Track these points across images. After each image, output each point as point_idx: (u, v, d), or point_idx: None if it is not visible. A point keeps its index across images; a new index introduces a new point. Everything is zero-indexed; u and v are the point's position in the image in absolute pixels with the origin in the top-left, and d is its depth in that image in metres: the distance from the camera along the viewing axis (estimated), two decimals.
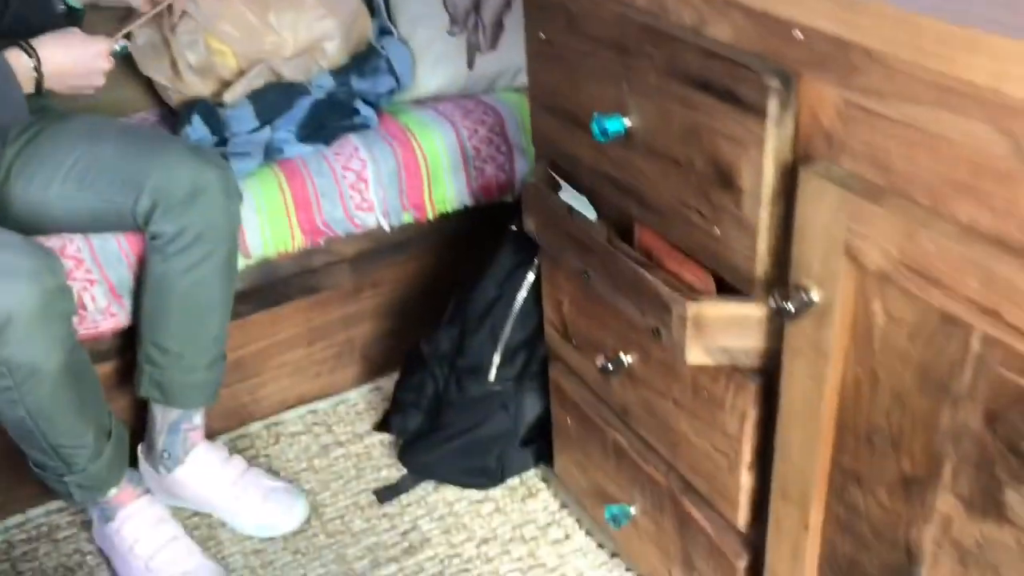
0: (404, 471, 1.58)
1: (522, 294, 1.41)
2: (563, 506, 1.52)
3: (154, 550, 1.37)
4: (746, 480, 1.05)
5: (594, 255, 1.10)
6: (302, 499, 1.51)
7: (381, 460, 1.63)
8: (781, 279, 0.89)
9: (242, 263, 1.48)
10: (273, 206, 1.48)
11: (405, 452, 1.58)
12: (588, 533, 1.47)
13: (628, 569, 1.40)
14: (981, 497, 0.76)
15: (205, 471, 1.47)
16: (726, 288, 0.98)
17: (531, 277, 1.40)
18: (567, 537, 1.47)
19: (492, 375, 1.45)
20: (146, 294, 1.37)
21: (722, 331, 0.95)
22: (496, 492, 1.55)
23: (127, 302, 1.41)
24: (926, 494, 0.81)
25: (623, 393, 1.23)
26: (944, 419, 0.77)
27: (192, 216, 1.28)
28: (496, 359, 1.44)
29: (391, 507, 1.54)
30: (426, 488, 1.57)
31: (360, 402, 1.76)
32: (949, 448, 0.78)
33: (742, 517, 1.08)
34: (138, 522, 1.38)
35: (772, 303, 0.85)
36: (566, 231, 1.16)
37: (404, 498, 1.55)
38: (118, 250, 1.38)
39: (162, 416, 1.44)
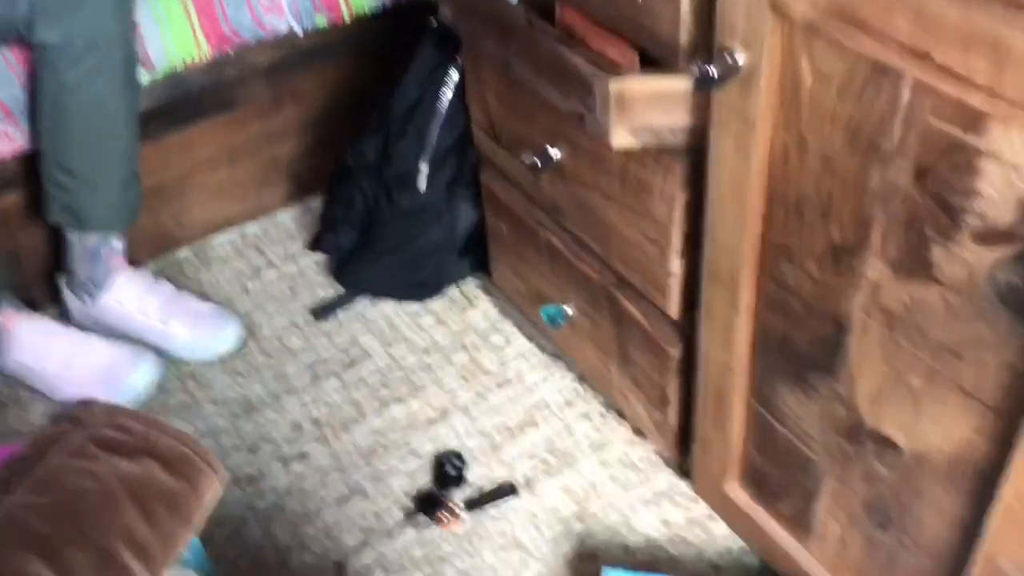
0: (341, 289, 1.55)
1: (446, 94, 1.33)
2: (503, 313, 1.50)
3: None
4: (677, 267, 1.02)
5: (514, 39, 1.03)
6: (235, 321, 1.48)
7: (316, 279, 1.59)
8: (707, 46, 0.83)
9: (147, 78, 1.38)
10: (173, 12, 1.36)
11: (340, 269, 1.54)
12: (529, 338, 1.46)
13: (569, 369, 1.40)
14: (909, 259, 0.74)
15: (130, 296, 1.42)
16: (651, 66, 0.92)
17: (455, 75, 1.32)
18: (508, 343, 1.46)
19: (422, 184, 1.40)
20: (42, 114, 1.27)
21: (647, 108, 0.90)
22: (435, 303, 1.53)
23: (24, 124, 1.32)
24: (855, 261, 0.79)
25: (553, 191, 1.18)
26: (873, 180, 0.73)
27: (78, 21, 1.18)
28: (424, 167, 1.38)
29: (329, 324, 1.51)
30: (364, 304, 1.54)
31: (291, 222, 1.70)
32: (878, 211, 0.75)
33: (674, 306, 1.06)
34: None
35: (696, 71, 0.80)
36: (484, 15, 1.08)
37: (342, 315, 1.52)
38: (5, 67, 1.28)
39: (79, 243, 1.37)
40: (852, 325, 0.83)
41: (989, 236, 0.67)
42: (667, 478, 1.25)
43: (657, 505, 1.23)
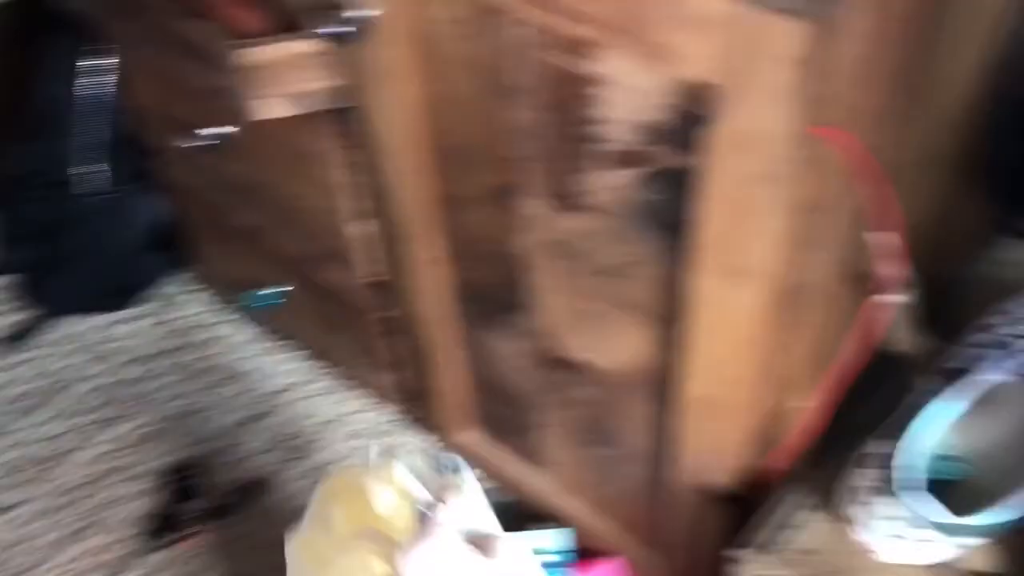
0: (36, 309, 1.41)
1: (106, 83, 1.22)
2: (223, 304, 1.43)
3: None
4: (358, 230, 1.00)
5: (142, 18, 0.95)
6: None
7: (5, 305, 1.44)
8: (339, 4, 0.79)
9: None
10: None
11: (32, 288, 1.40)
12: (256, 325, 1.40)
13: (299, 349, 1.35)
14: (561, 191, 0.75)
15: None
16: (288, 30, 0.87)
17: (108, 61, 1.21)
18: (233, 333, 1.39)
19: (101, 183, 1.28)
20: None
21: (287, 74, 0.85)
22: (149, 307, 1.43)
23: None
24: (517, 201, 0.79)
25: (237, 171, 1.12)
26: (514, 120, 0.73)
27: None
28: (100, 165, 1.27)
29: (30, 350, 1.38)
30: (68, 321, 1.41)
31: None
32: (526, 149, 0.75)
33: (363, 269, 1.04)
34: None
35: (326, 29, 0.76)
36: None
37: (43, 337, 1.39)
38: None
39: None
40: (528, 262, 0.84)
41: (620, 159, 0.69)
42: (414, 436, 1.25)
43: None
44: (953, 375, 0.70)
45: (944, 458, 0.71)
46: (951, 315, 0.80)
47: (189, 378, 1.34)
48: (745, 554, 0.73)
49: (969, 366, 0.70)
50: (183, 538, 1.15)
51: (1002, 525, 0.64)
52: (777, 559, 0.72)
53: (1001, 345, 0.70)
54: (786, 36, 0.51)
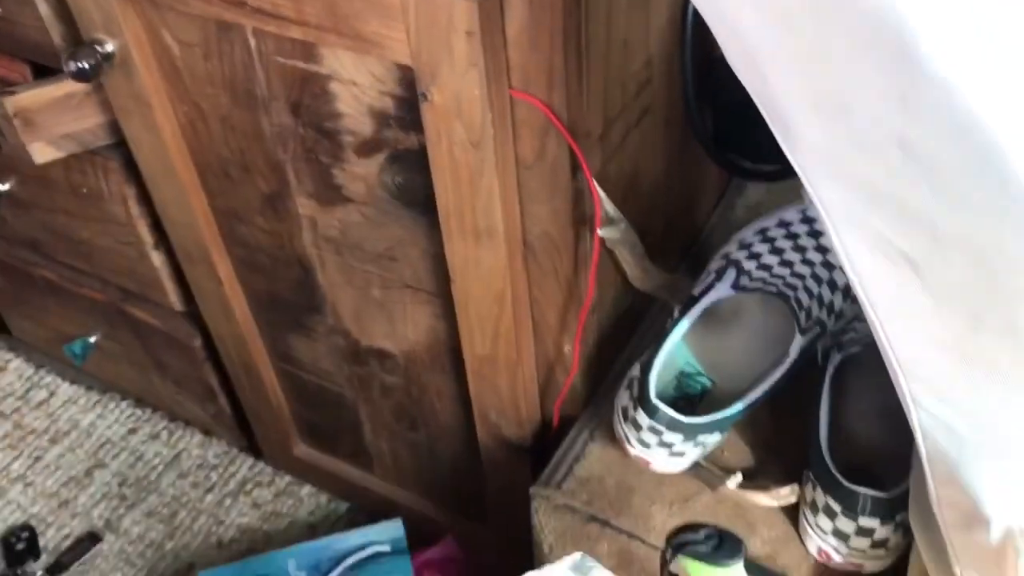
0: None
1: None
2: (38, 366, 1.41)
3: None
4: (159, 260, 1.02)
5: None
6: None
7: None
8: (80, 41, 0.83)
9: None
10: None
11: None
12: (72, 381, 1.38)
13: (123, 398, 1.35)
14: (322, 187, 0.81)
15: None
16: (47, 74, 0.90)
17: None
18: (52, 394, 1.38)
19: None
20: None
21: (54, 116, 0.88)
22: None
23: None
24: (287, 204, 0.84)
25: (24, 225, 1.12)
26: (265, 126, 0.79)
27: None
28: None
29: None
30: None
31: None
32: (281, 153, 0.80)
33: (175, 298, 1.06)
34: None
35: (71, 67, 0.79)
36: None
37: None
38: None
39: None
40: (312, 262, 0.89)
41: (364, 148, 0.75)
42: (246, 464, 1.27)
43: (243, 494, 1.24)
44: (691, 300, 0.79)
45: (688, 375, 0.80)
46: (701, 257, 0.90)
47: (10, 446, 1.31)
48: (533, 492, 0.79)
49: (703, 290, 0.79)
50: None
51: (734, 416, 0.73)
52: (560, 492, 0.79)
53: (724, 267, 0.80)
54: (461, 13, 0.59)
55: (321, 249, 0.87)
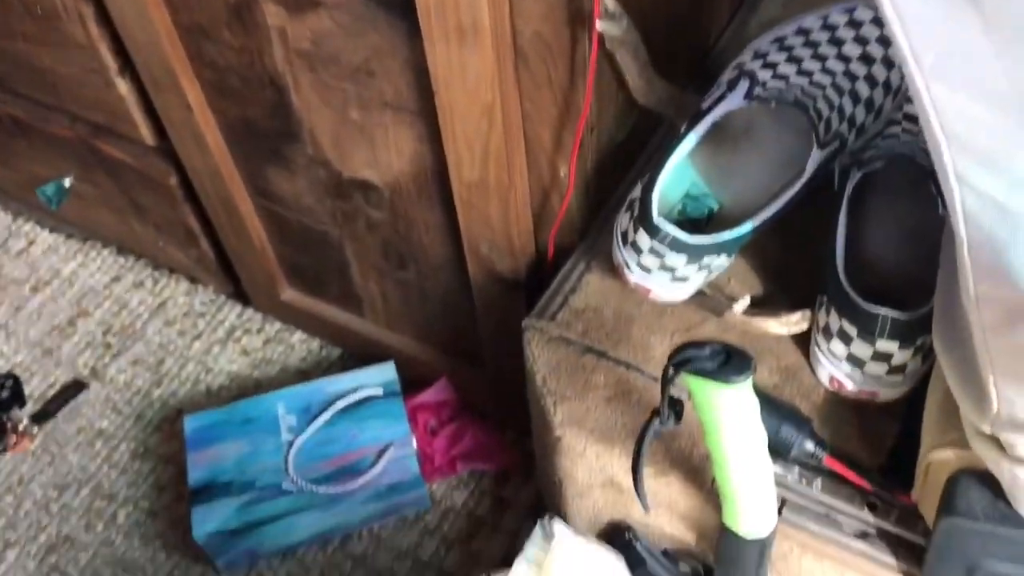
0: None
1: None
2: (16, 215, 1.35)
3: None
4: (126, 88, 0.95)
5: None
6: None
7: None
8: None
9: None
10: None
11: None
12: (51, 230, 1.33)
13: (104, 246, 1.30)
14: None
15: None
16: None
17: None
18: (31, 243, 1.32)
19: None
20: None
21: None
22: None
23: None
24: (254, 13, 0.77)
25: None
26: None
27: None
28: None
29: None
30: None
31: None
32: None
33: (146, 131, 0.99)
34: None
35: None
36: None
37: None
38: None
39: None
40: (285, 80, 0.81)
41: None
42: (235, 311, 1.23)
43: (232, 341, 1.20)
44: (699, 115, 0.72)
45: (694, 197, 0.73)
46: (711, 74, 0.82)
47: None
48: (526, 324, 0.75)
49: (713, 103, 0.72)
50: (11, 445, 1.11)
51: (742, 238, 0.67)
52: (554, 323, 0.74)
53: (737, 78, 0.72)
54: None
55: (294, 66, 0.79)
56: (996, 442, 0.49)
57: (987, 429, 0.48)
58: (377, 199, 0.88)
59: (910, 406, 0.67)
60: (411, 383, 1.06)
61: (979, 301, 0.42)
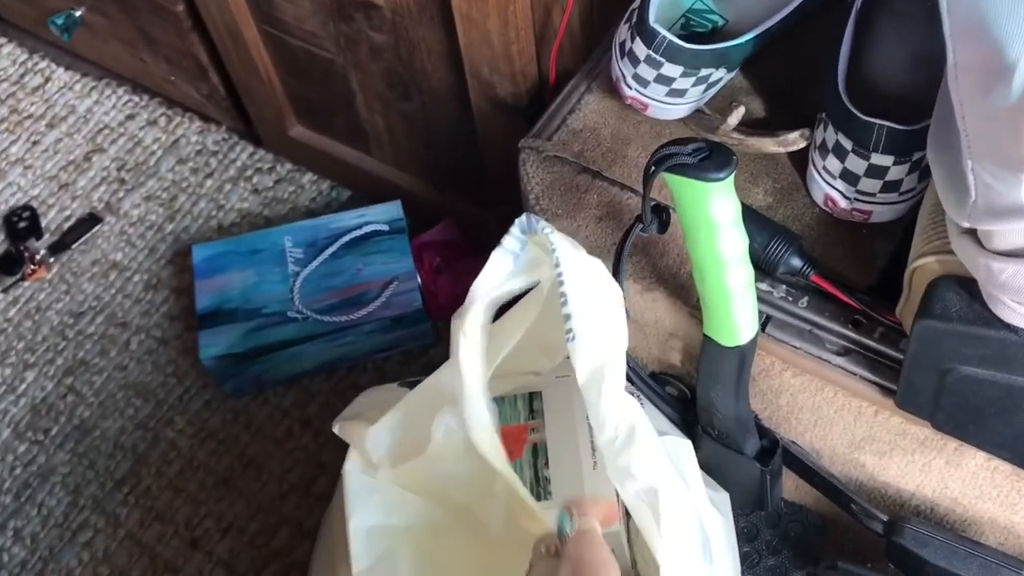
0: None
1: None
2: (32, 52, 1.34)
3: None
4: None
5: None
6: None
7: None
8: None
9: None
10: None
11: None
12: (67, 67, 1.32)
13: (120, 84, 1.29)
14: None
15: None
16: None
17: None
18: (47, 80, 1.32)
19: None
20: None
21: None
22: None
23: None
24: None
25: None
26: None
27: None
28: None
29: None
30: None
31: None
32: None
33: None
34: None
35: None
36: None
37: None
38: None
39: None
40: None
41: None
42: (246, 150, 1.22)
43: (244, 180, 1.20)
44: None
45: (698, 12, 0.71)
46: None
47: (7, 130, 1.28)
48: (523, 144, 0.74)
49: None
50: (28, 273, 1.14)
51: (743, 49, 0.65)
52: (551, 143, 0.73)
53: None
54: None
55: None
56: (974, 237, 0.48)
57: (966, 223, 0.47)
58: (379, 20, 0.86)
59: (906, 231, 0.66)
60: (419, 224, 1.06)
61: (958, 70, 0.41)
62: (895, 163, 0.61)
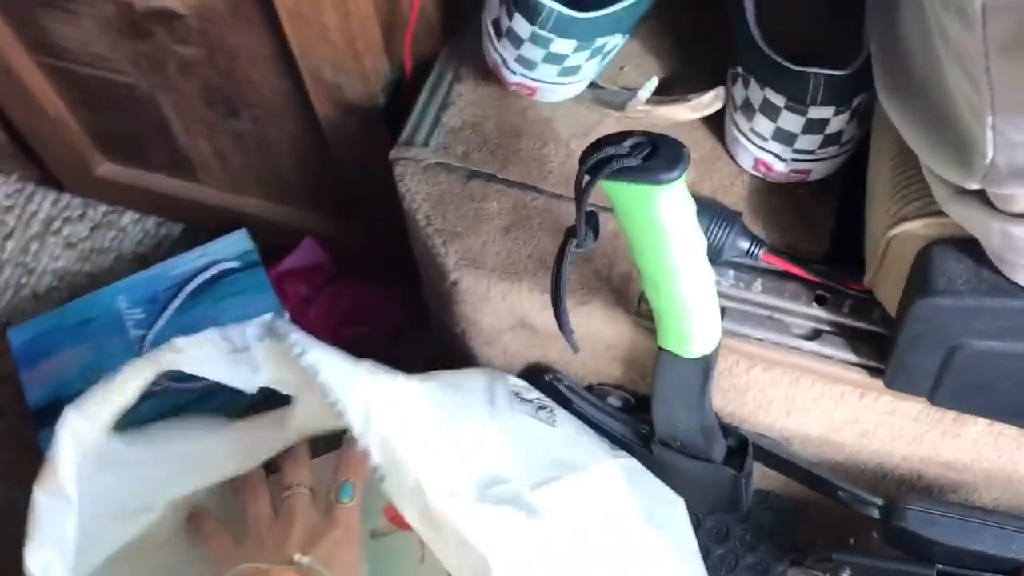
0: None
1: None
2: None
3: None
4: None
5: None
6: None
7: None
8: None
9: None
10: None
11: None
12: None
13: None
14: None
15: None
16: None
17: None
18: None
19: None
20: None
21: None
22: None
23: None
24: None
25: None
26: None
27: None
28: None
29: None
30: None
31: None
32: None
33: None
34: None
35: None
36: None
37: None
38: None
39: None
40: None
41: None
42: (48, 198, 1.04)
43: (52, 234, 1.02)
44: None
45: None
46: None
47: None
48: (394, 156, 0.62)
49: None
50: None
51: (641, 3, 0.55)
52: (428, 149, 0.62)
53: None
54: None
55: None
56: (982, 199, 0.41)
57: (974, 185, 0.40)
58: (184, 31, 0.71)
59: (845, 183, 0.59)
60: (274, 253, 0.92)
61: (986, 14, 0.33)
62: (836, 113, 0.53)
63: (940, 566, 0.58)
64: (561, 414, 0.61)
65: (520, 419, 0.58)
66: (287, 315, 0.89)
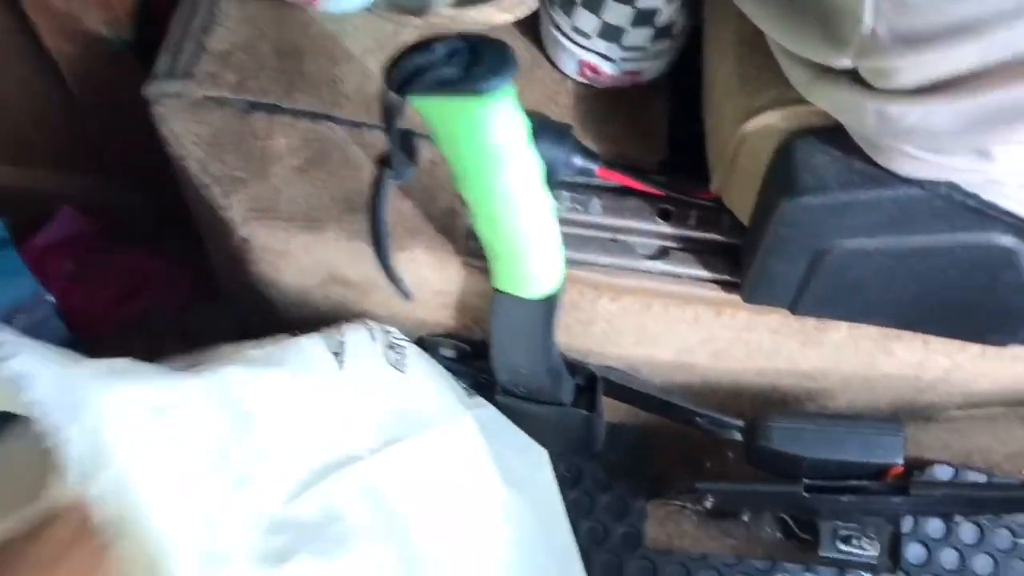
0: None
1: None
2: None
3: None
4: None
5: None
6: None
7: None
8: None
9: None
10: None
11: None
12: None
13: None
14: None
15: None
16: None
17: None
18: None
19: None
20: None
21: None
22: None
23: None
24: None
25: None
26: None
27: None
28: None
29: None
30: None
31: None
32: None
33: None
34: None
35: None
36: None
37: None
38: None
39: None
40: None
41: None
42: None
43: None
44: None
45: None
46: None
47: None
48: (152, 93, 0.51)
49: None
50: None
51: None
52: (194, 81, 0.51)
53: None
54: None
55: None
56: (854, 78, 0.36)
57: (845, 62, 0.35)
58: None
59: (676, 83, 0.53)
60: (26, 227, 0.78)
61: None
62: (667, 1, 0.47)
63: (807, 480, 0.55)
64: (412, 352, 0.53)
65: (365, 372, 0.49)
66: (50, 297, 0.76)
